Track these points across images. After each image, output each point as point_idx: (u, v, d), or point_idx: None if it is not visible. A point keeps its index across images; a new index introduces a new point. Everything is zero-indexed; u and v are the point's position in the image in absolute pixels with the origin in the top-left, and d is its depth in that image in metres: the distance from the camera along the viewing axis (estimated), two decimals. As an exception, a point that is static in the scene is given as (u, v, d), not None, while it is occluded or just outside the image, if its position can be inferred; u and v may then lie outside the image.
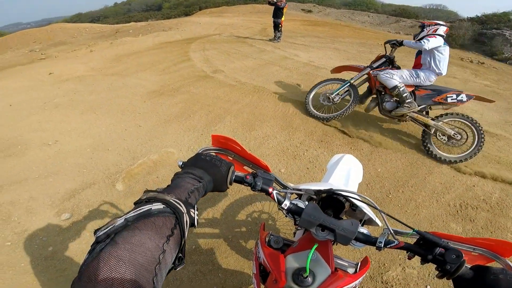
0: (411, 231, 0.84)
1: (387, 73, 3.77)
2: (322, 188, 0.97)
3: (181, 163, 0.88)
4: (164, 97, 4.97)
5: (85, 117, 4.29)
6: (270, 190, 0.90)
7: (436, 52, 3.67)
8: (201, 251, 2.35)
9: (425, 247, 0.80)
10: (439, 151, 3.59)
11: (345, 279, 0.91)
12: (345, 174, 1.42)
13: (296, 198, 1.00)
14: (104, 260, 0.44)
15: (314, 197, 1.06)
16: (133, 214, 0.55)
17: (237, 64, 6.83)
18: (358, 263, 1.03)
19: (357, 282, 0.93)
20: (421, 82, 3.77)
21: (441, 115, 3.69)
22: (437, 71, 3.72)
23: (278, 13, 8.83)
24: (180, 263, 0.60)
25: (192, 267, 2.23)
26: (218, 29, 12.13)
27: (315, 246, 0.89)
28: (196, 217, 0.66)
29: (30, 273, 2.18)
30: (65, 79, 5.97)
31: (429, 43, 3.56)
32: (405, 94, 3.68)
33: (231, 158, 1.16)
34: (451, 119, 3.65)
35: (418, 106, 3.70)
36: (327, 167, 1.55)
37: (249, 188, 0.91)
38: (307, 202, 0.92)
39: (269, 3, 8.99)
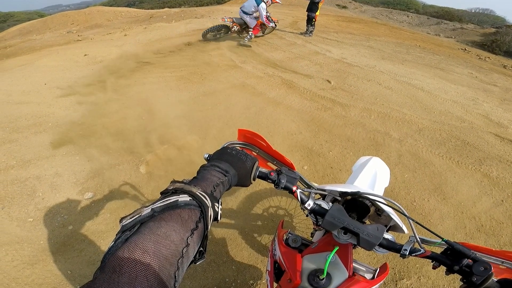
0: (439, 240, 0.82)
1: None
2: (348, 190, 0.93)
3: (207, 156, 0.87)
4: (192, 84, 5.03)
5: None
6: (294, 188, 0.87)
7: None
8: (217, 242, 2.36)
9: (452, 257, 0.78)
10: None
11: (362, 284, 0.89)
12: (372, 177, 1.36)
13: (319, 198, 0.97)
14: (129, 250, 0.44)
15: (339, 198, 1.02)
16: (160, 205, 0.54)
17: (266, 55, 6.78)
18: (377, 269, 0.99)
19: None
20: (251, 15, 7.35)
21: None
22: None
23: (313, 7, 8.63)
24: (201, 257, 0.60)
25: (207, 257, 2.23)
26: (249, 19, 12.03)
27: (335, 249, 0.87)
28: (219, 212, 0.66)
29: (48, 251, 2.21)
30: (99, 61, 6.17)
31: None
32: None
33: (256, 154, 1.14)
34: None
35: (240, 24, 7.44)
36: (352, 168, 1.51)
37: (268, 183, 0.90)
38: (330, 204, 0.90)
39: None
